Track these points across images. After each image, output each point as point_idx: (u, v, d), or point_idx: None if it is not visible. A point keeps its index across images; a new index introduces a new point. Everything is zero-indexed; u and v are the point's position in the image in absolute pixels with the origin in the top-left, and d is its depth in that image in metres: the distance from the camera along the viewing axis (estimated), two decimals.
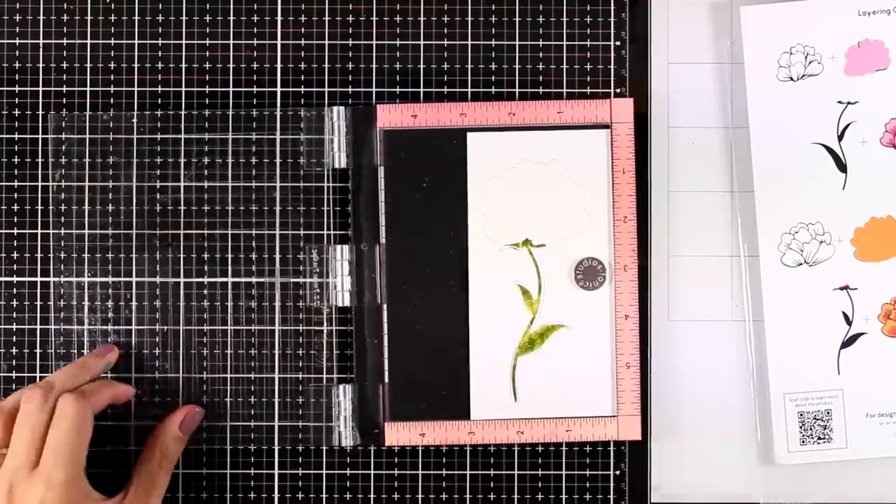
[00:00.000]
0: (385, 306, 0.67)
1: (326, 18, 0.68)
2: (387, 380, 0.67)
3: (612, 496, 0.68)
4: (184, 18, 0.68)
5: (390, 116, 0.67)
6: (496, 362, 0.67)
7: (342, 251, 0.68)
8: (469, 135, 0.67)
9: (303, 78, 0.68)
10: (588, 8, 0.68)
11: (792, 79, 0.67)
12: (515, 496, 0.68)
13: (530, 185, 0.67)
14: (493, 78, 0.68)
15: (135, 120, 0.67)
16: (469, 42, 0.68)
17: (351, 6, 0.68)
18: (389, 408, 0.67)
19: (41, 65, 0.68)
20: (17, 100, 0.68)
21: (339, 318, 0.68)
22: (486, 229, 0.67)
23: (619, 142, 0.67)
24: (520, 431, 0.67)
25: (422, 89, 0.68)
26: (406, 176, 0.67)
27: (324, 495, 0.68)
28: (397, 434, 0.67)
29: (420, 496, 0.68)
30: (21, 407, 0.60)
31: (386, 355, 0.67)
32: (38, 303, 0.68)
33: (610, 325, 0.67)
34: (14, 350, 0.68)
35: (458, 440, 0.67)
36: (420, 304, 0.67)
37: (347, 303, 0.67)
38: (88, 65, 0.68)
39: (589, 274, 0.67)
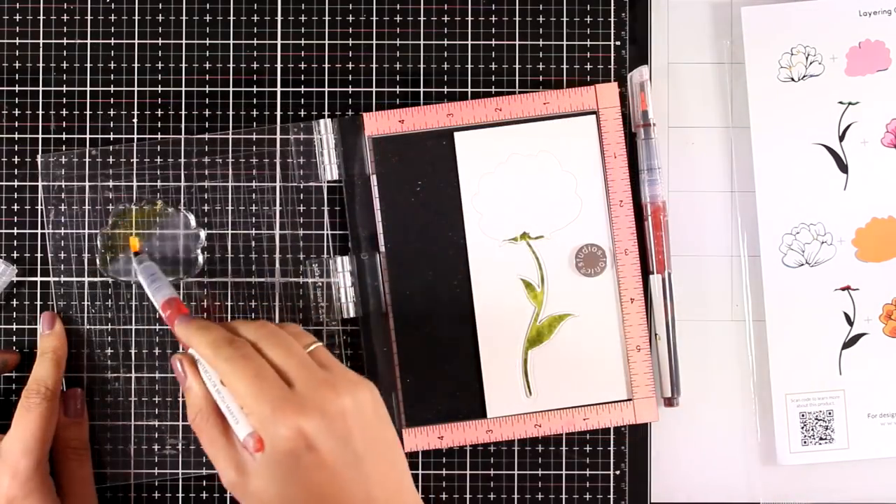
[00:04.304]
0: (391, 314, 0.67)
1: (326, 18, 0.68)
2: (399, 387, 0.67)
3: (612, 496, 0.68)
4: (184, 18, 0.68)
5: (377, 123, 0.67)
6: (507, 358, 0.67)
7: (342, 262, 0.67)
8: (456, 134, 0.67)
9: (303, 78, 0.68)
10: (588, 8, 0.68)
11: (793, 79, 0.67)
12: (515, 496, 0.68)
13: (522, 178, 0.67)
14: (493, 78, 0.68)
15: (134, 160, 0.67)
16: (469, 42, 0.68)
17: (351, 6, 0.68)
18: (405, 414, 0.67)
19: (41, 65, 0.68)
20: (17, 100, 0.68)
21: (346, 329, 0.68)
22: (482, 227, 0.67)
23: (607, 126, 0.67)
24: (537, 425, 0.67)
25: (422, 89, 0.68)
26: (399, 182, 0.67)
27: None
28: (416, 439, 0.67)
29: (420, 496, 0.68)
30: None
31: (396, 362, 0.67)
32: (38, 303, 0.68)
33: (616, 309, 0.67)
34: (14, 349, 0.68)
35: (476, 439, 0.67)
36: (425, 309, 0.67)
37: (353, 313, 0.67)
38: (88, 65, 0.68)
39: (590, 260, 0.67)
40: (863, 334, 0.67)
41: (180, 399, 0.67)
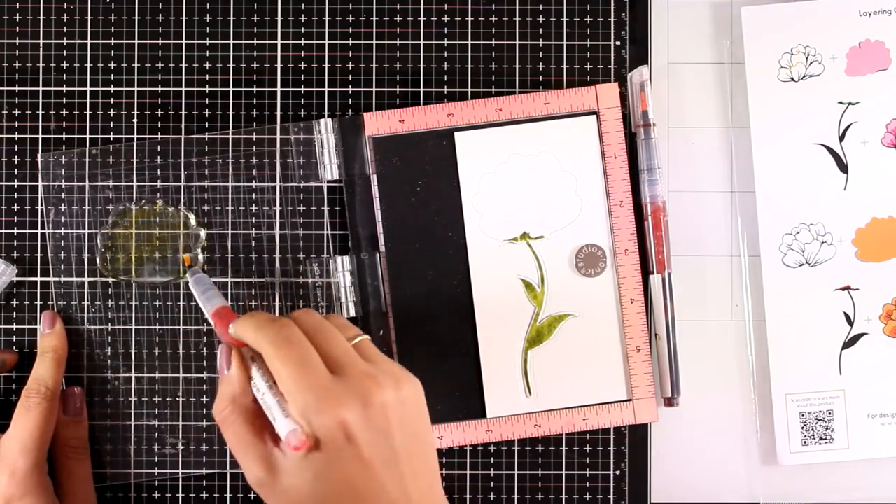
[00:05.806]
0: (391, 314, 0.67)
1: (326, 18, 0.68)
2: None
3: (612, 496, 0.68)
4: (184, 18, 0.68)
5: (378, 123, 0.67)
6: (506, 358, 0.67)
7: (342, 262, 0.67)
8: (456, 134, 0.67)
9: (303, 78, 0.68)
10: (588, 8, 0.68)
11: (793, 79, 0.67)
12: (515, 496, 0.68)
13: (522, 178, 0.67)
14: (493, 78, 0.68)
15: (134, 160, 0.67)
16: (469, 42, 0.68)
17: (351, 6, 0.68)
18: None
19: (41, 65, 0.68)
20: (17, 100, 0.68)
21: None
22: (482, 227, 0.67)
23: (607, 127, 0.67)
24: (537, 425, 0.67)
25: (422, 89, 0.68)
26: (399, 182, 0.67)
27: None
28: None
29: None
30: None
31: (396, 362, 0.67)
32: (38, 302, 0.68)
33: (616, 310, 0.67)
34: (13, 349, 0.68)
35: (476, 439, 0.67)
36: (425, 309, 0.67)
37: (353, 313, 0.67)
38: (88, 65, 0.68)
39: (590, 261, 0.67)
40: (863, 334, 0.67)
41: (179, 400, 0.67)
